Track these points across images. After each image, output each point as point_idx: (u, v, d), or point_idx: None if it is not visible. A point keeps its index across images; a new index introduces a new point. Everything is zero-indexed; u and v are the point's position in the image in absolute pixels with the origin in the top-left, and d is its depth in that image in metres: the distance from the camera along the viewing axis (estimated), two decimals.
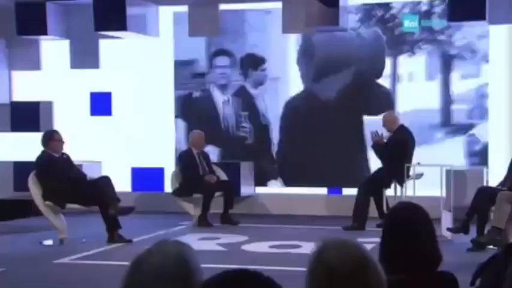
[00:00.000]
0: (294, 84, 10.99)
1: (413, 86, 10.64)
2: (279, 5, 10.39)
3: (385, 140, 9.51)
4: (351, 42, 10.71)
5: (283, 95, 11.04)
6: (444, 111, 10.46)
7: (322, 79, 10.84)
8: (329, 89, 10.80)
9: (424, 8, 10.49)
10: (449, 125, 10.33)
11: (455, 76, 10.43)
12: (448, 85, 10.46)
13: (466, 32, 10.29)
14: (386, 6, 10.62)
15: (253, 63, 11.13)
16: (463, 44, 10.38)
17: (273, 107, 11.05)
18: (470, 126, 10.38)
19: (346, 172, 10.62)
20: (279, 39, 10.81)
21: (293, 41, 10.96)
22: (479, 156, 10.31)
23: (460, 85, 10.43)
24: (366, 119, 10.64)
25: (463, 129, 10.42)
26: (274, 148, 11.09)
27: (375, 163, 10.05)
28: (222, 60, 11.29)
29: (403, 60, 10.61)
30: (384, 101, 10.46)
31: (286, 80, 11.02)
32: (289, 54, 11.02)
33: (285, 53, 11.02)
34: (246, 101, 11.16)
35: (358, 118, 10.69)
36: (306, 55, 10.93)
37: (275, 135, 11.08)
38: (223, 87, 11.26)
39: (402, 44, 10.57)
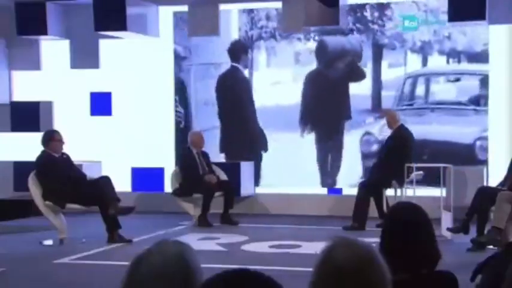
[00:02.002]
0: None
1: None
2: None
3: None
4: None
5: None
6: (374, 97, 10.89)
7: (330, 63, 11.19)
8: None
9: None
10: (378, 110, 10.76)
11: (384, 64, 10.88)
12: (378, 72, 10.88)
13: (398, 22, 10.73)
14: None
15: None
16: (393, 33, 10.80)
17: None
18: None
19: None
20: None
21: None
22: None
23: (389, 73, 10.88)
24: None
25: None
26: None
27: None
28: None
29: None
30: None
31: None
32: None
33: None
34: None
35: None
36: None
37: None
38: None
39: (338, 33, 10.85)
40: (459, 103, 10.70)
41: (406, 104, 10.86)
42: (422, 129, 10.27)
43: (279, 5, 10.46)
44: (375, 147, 10.91)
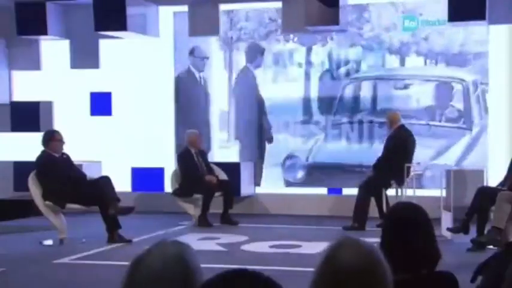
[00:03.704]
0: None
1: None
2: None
3: None
4: None
5: None
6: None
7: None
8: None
9: None
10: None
11: (363, 65, 10.84)
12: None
13: (376, 23, 10.71)
14: None
15: None
16: (372, 35, 10.76)
17: None
18: None
19: None
20: None
21: None
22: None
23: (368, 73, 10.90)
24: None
25: None
26: None
27: None
28: None
29: (316, 49, 11.05)
30: None
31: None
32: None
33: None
34: None
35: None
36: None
37: None
38: None
39: (316, 33, 10.84)
40: (410, 117, 10.24)
41: (345, 115, 10.72)
42: (361, 149, 9.94)
43: (279, 4, 10.46)
44: (300, 175, 10.76)
